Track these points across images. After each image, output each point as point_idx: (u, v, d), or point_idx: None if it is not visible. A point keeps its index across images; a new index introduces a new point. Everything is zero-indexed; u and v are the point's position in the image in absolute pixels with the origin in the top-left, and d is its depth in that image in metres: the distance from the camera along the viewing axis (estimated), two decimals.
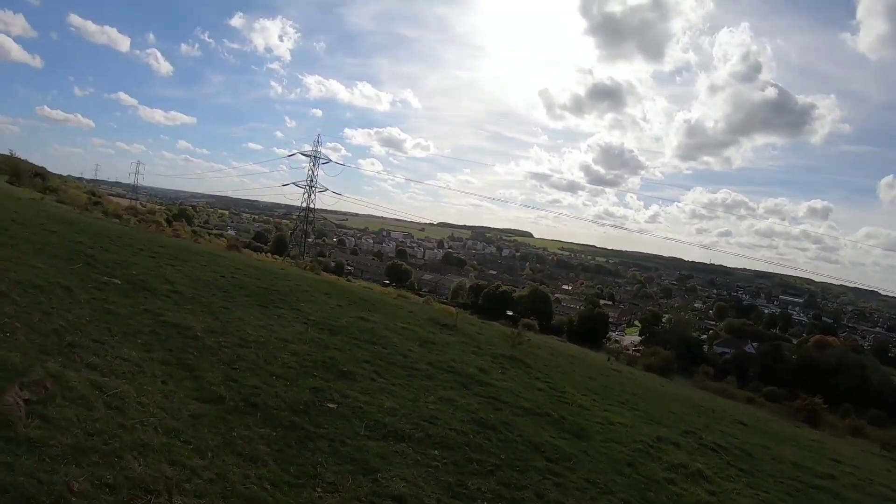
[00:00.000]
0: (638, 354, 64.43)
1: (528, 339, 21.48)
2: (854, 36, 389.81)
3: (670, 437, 12.86)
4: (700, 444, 13.24)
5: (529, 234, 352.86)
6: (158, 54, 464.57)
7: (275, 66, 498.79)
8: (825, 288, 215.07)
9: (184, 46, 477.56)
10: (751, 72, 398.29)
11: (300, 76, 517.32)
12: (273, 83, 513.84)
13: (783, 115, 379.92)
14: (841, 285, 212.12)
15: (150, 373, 7.46)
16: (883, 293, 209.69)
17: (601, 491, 8.02)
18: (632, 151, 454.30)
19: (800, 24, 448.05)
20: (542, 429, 10.11)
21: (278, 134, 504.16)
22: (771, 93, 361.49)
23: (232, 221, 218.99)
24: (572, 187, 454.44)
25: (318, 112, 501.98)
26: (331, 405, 8.13)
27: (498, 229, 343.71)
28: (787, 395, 55.36)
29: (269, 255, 77.73)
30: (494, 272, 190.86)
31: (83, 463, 4.84)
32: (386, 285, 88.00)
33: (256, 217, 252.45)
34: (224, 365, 8.61)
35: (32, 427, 5.07)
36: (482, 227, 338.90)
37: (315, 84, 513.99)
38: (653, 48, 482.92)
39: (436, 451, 7.61)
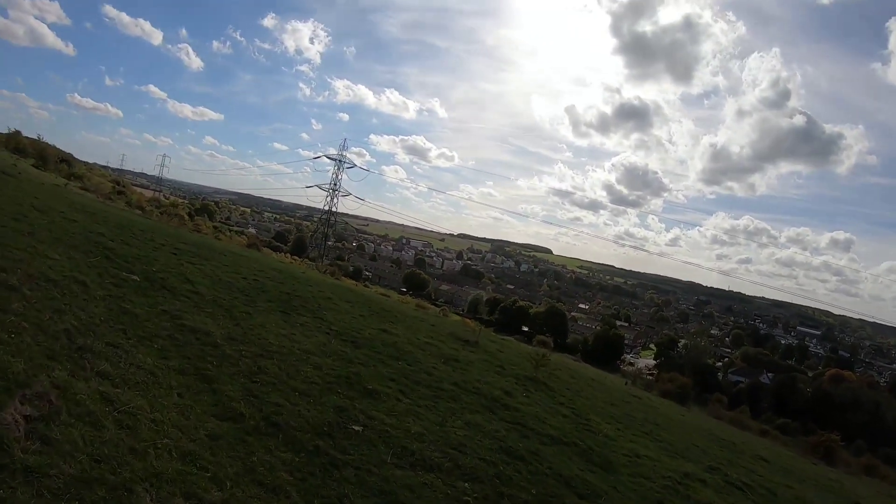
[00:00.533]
0: (651, 378, 63.59)
1: (550, 361, 20.86)
2: (885, 66, 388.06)
3: (697, 473, 12.62)
4: (726, 482, 13.01)
5: (549, 251, 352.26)
6: (190, 50, 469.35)
7: (304, 68, 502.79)
8: (843, 321, 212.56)
9: (215, 43, 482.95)
10: (779, 98, 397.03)
11: (329, 80, 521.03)
12: (301, 85, 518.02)
13: (810, 143, 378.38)
14: (860, 319, 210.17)
15: (166, 383, 6.94)
16: None
17: None
18: (655, 173, 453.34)
19: (830, 53, 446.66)
20: (569, 460, 9.77)
21: (304, 136, 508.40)
22: (799, 120, 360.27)
23: (253, 220, 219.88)
24: (594, 206, 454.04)
25: (345, 116, 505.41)
26: (356, 427, 7.60)
27: (517, 244, 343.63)
28: (799, 429, 54.58)
29: (288, 255, 77.57)
30: (512, 287, 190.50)
31: (87, 499, 4.31)
32: (403, 293, 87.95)
33: (278, 217, 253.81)
34: (244, 377, 8.10)
35: (32, 452, 4.53)
36: (502, 241, 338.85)
37: (343, 88, 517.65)
38: (682, 70, 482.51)
39: (466, 484, 7.16)
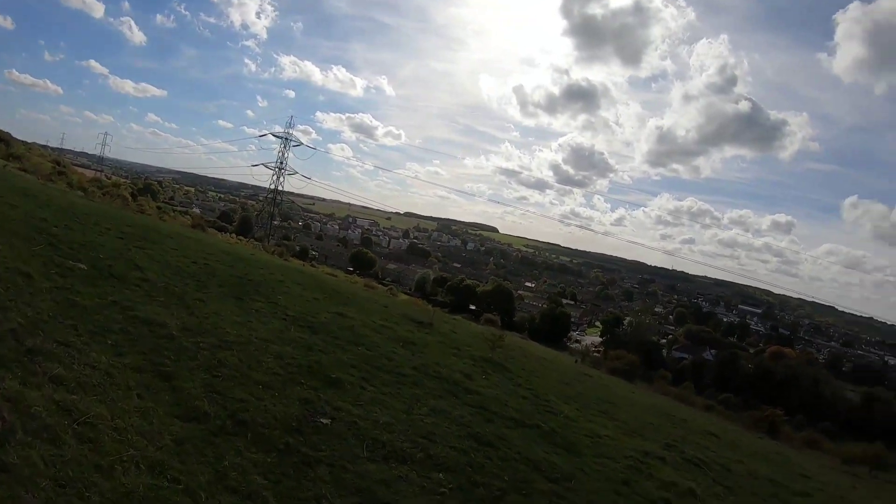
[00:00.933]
0: (598, 355, 64.49)
1: (505, 342, 20.84)
2: (830, 57, 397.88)
3: (655, 451, 12.82)
4: (684, 459, 13.24)
5: (495, 230, 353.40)
6: (133, 23, 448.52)
7: (250, 43, 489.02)
8: (783, 300, 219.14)
9: (159, 17, 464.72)
10: (726, 84, 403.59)
11: (275, 55, 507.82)
12: (247, 61, 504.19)
13: (754, 128, 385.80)
14: (799, 298, 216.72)
15: (124, 384, 6.39)
16: (839, 309, 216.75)
17: None
18: (602, 154, 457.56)
19: (778, 42, 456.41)
20: (535, 443, 9.79)
21: (249, 113, 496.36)
22: (744, 106, 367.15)
23: (197, 199, 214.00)
24: (540, 185, 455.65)
25: (291, 93, 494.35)
26: (324, 421, 7.29)
27: (464, 222, 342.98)
28: (741, 404, 56.11)
29: (234, 235, 75.95)
30: (458, 265, 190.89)
31: None
32: (350, 273, 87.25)
33: (222, 196, 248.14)
34: (204, 372, 7.63)
35: None
36: (448, 220, 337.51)
37: (289, 64, 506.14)
38: (630, 53, 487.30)
39: (440, 475, 7.03)
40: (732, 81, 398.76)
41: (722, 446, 18.14)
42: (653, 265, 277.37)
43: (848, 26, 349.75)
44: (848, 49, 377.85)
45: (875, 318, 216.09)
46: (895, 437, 49.47)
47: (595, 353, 67.80)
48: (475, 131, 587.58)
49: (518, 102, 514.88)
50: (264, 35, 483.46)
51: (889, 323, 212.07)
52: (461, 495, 6.74)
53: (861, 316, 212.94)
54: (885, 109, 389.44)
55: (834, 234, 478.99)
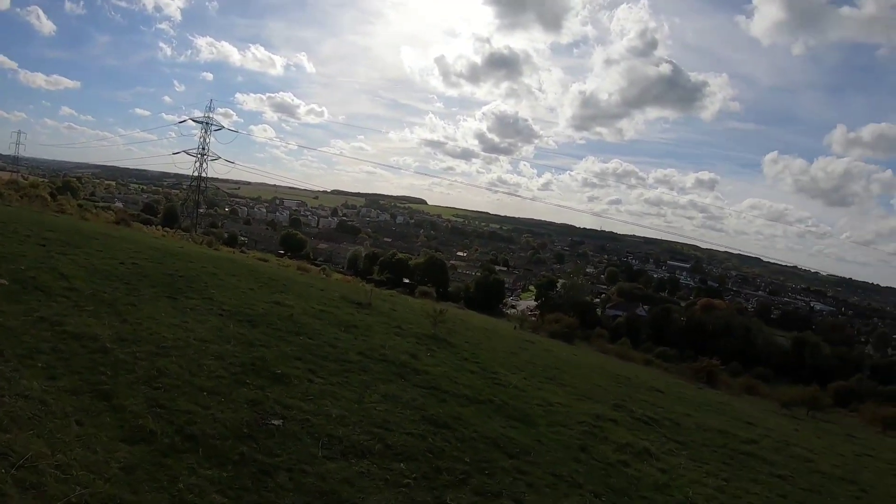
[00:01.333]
0: (535, 319, 65.25)
1: (448, 316, 20.78)
2: (748, 20, 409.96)
3: (606, 413, 13.13)
4: (634, 419, 13.57)
5: (423, 202, 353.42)
6: (40, 12, 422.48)
7: (164, 25, 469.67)
8: (710, 254, 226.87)
9: (68, 4, 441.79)
10: (647, 48, 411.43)
11: (190, 37, 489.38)
12: (162, 44, 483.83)
13: (676, 90, 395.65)
14: (725, 252, 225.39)
15: (61, 411, 5.89)
16: (765, 260, 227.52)
17: (570, 484, 7.89)
18: (526, 120, 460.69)
19: (697, 6, 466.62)
20: (490, 419, 9.83)
21: (167, 99, 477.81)
22: (665, 69, 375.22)
23: (119, 193, 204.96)
24: (466, 155, 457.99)
25: (209, 76, 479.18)
26: (275, 422, 7.01)
27: (392, 196, 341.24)
28: (678, 356, 57.81)
29: (159, 227, 73.60)
30: (389, 240, 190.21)
31: None
32: (281, 256, 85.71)
33: (145, 188, 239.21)
34: (144, 385, 7.18)
35: None
36: (376, 195, 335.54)
37: (206, 46, 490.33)
38: (551, 20, 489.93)
39: (401, 465, 6.90)
40: (653, 45, 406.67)
41: (668, 401, 18.64)
42: (582, 227, 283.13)
43: None
44: (766, 12, 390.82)
45: (799, 266, 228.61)
46: (825, 378, 52.21)
47: (531, 318, 68.60)
48: (399, 105, 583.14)
49: (441, 73, 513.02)
50: (178, 16, 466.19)
51: (812, 270, 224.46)
52: (426, 483, 6.63)
53: (786, 265, 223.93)
54: (801, 69, 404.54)
55: (756, 189, 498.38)
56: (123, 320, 9.69)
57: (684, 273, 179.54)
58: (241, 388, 7.85)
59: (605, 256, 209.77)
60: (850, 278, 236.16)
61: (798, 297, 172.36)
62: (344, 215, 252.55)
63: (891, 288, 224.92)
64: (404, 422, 8.26)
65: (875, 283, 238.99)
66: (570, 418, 11.58)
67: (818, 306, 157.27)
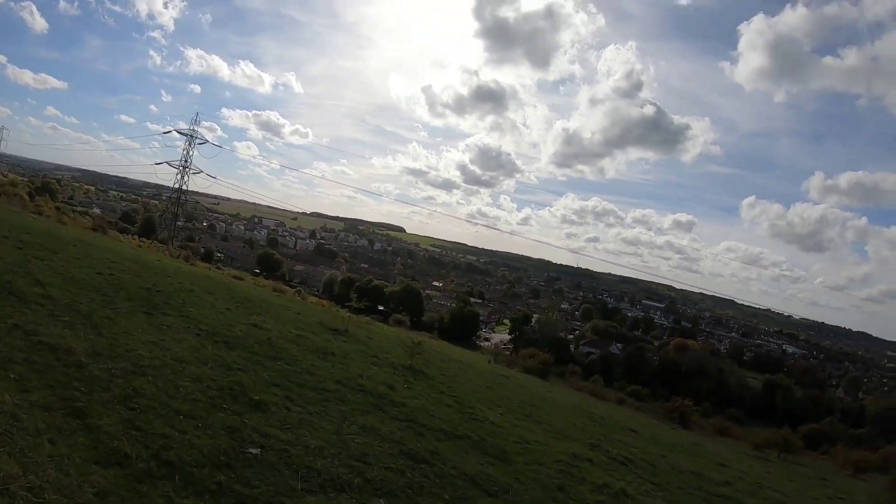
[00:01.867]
0: (508, 353, 65.26)
1: (425, 348, 20.70)
2: (733, 66, 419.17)
3: (582, 452, 13.12)
4: (610, 459, 13.60)
5: (402, 229, 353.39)
6: (34, 9, 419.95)
7: (156, 34, 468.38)
8: (685, 295, 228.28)
9: (62, 3, 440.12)
10: (632, 89, 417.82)
11: (181, 48, 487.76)
12: (153, 53, 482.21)
13: (658, 132, 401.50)
14: (700, 293, 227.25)
15: (33, 428, 5.59)
16: (739, 302, 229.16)
17: None
18: (509, 155, 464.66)
19: (684, 50, 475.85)
20: (467, 454, 9.73)
21: (153, 108, 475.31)
22: (649, 110, 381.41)
23: (98, 199, 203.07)
24: (448, 185, 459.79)
25: (197, 88, 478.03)
26: (253, 451, 6.77)
27: (371, 222, 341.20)
28: (650, 395, 58.00)
29: (136, 237, 72.87)
30: (366, 265, 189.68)
31: None
32: (257, 275, 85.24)
33: (124, 195, 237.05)
34: (119, 404, 6.88)
35: None
36: (355, 220, 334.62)
37: (196, 58, 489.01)
38: (540, 57, 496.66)
39: (381, 501, 6.74)
40: (638, 87, 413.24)
41: (643, 441, 18.77)
42: (559, 263, 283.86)
43: (751, 37, 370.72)
44: (750, 59, 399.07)
45: (772, 309, 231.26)
46: (796, 421, 52.66)
47: (505, 351, 68.56)
48: (383, 131, 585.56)
49: (427, 103, 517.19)
50: (171, 26, 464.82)
51: (785, 314, 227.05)
52: None
53: (759, 308, 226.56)
54: (782, 116, 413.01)
55: (733, 232, 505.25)
56: (99, 334, 9.41)
57: (658, 313, 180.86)
58: (219, 414, 7.60)
59: (581, 293, 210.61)
60: (823, 322, 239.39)
61: (771, 339, 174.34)
62: (322, 238, 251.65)
63: (862, 333, 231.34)
64: (383, 455, 8.08)
65: (847, 327, 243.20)
66: (546, 457, 11.53)
67: (790, 349, 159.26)
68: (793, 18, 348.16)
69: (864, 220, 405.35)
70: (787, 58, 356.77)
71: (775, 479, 20.07)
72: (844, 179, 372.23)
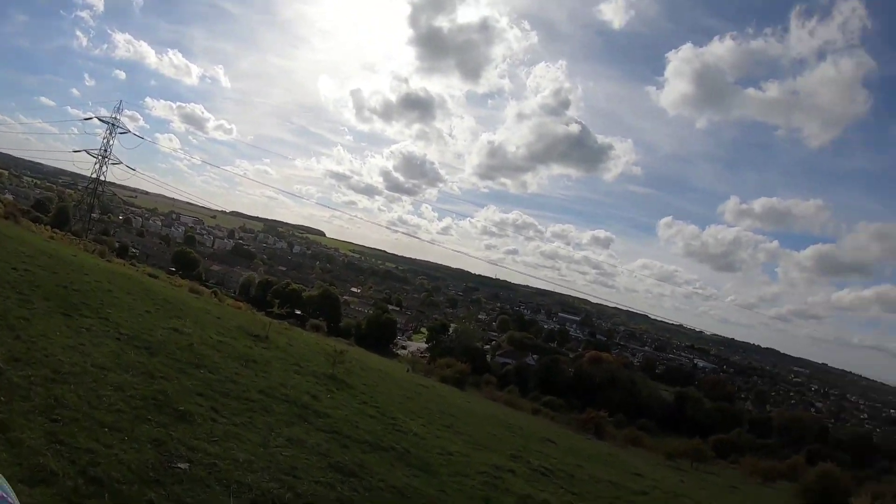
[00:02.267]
0: (425, 361, 65.36)
1: (347, 357, 20.54)
2: (658, 91, 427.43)
3: (504, 463, 13.36)
4: (531, 469, 13.83)
5: (322, 233, 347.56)
6: None
7: (84, 14, 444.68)
8: (600, 309, 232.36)
9: None
10: (559, 107, 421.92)
11: (109, 31, 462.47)
12: (79, 33, 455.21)
13: (582, 150, 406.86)
14: (615, 307, 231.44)
15: None
16: (652, 317, 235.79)
17: None
18: (433, 164, 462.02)
19: (611, 73, 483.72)
20: (393, 466, 9.77)
21: (75, 91, 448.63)
22: (574, 129, 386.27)
23: (11, 184, 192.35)
24: (370, 191, 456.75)
25: (122, 74, 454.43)
26: (181, 465, 6.56)
27: (291, 224, 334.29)
28: (565, 405, 58.95)
29: (49, 227, 69.60)
30: (284, 268, 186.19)
31: None
32: (172, 273, 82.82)
33: (38, 182, 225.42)
34: (42, 415, 6.51)
35: None
36: (275, 221, 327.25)
37: (124, 42, 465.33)
38: (471, 69, 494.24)
39: None
40: (565, 105, 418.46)
41: (561, 452, 19.07)
42: (477, 274, 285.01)
43: (678, 65, 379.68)
44: (675, 85, 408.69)
45: (684, 325, 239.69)
46: (706, 431, 54.59)
47: (422, 360, 68.61)
48: (309, 132, 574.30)
49: (355, 106, 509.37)
50: (101, 7, 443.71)
51: (697, 329, 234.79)
52: None
53: (671, 323, 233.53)
54: (702, 142, 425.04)
55: (649, 250, 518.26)
56: (16, 336, 8.94)
57: (574, 325, 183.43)
58: (144, 426, 7.32)
59: (498, 304, 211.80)
60: (733, 338, 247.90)
61: (682, 353, 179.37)
62: (240, 238, 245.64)
63: (771, 349, 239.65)
64: (311, 469, 8.00)
65: (756, 343, 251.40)
66: (469, 468, 11.65)
67: (701, 363, 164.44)
68: (720, 50, 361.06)
69: (775, 243, 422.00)
70: (711, 87, 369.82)
71: (689, 488, 20.75)
72: (758, 205, 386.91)
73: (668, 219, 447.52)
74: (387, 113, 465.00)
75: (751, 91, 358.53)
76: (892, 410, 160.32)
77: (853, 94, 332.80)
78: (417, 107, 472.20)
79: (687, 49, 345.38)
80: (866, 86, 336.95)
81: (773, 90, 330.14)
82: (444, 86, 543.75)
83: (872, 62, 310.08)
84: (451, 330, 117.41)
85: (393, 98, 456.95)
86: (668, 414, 77.89)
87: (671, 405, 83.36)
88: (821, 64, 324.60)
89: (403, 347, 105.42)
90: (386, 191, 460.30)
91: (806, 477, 27.44)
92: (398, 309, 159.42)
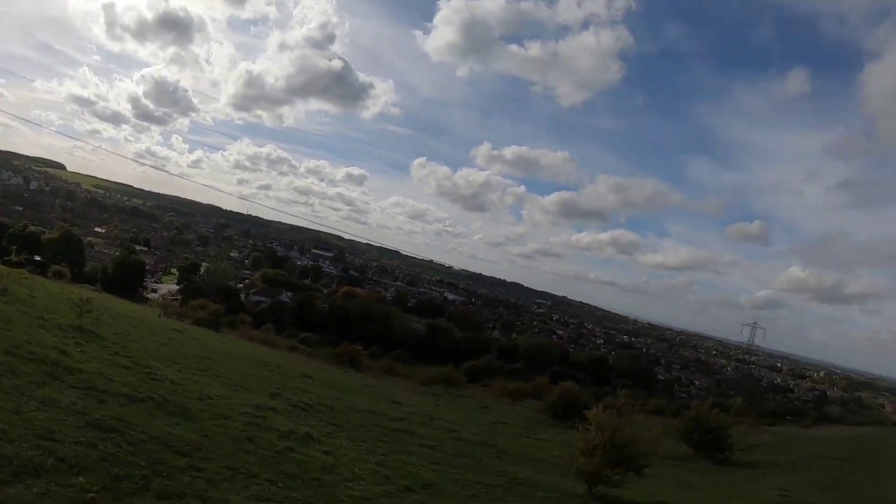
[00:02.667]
0: (177, 304, 63.07)
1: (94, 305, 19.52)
2: (425, 36, 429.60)
3: (264, 402, 13.88)
4: (291, 406, 14.55)
5: (62, 167, 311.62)
6: None
7: None
8: (353, 245, 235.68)
9: None
10: (324, 41, 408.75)
11: None
12: None
13: (343, 87, 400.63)
14: (367, 244, 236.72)
15: None
16: (404, 253, 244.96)
17: (246, 475, 8.34)
18: (186, 91, 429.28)
19: (381, 13, 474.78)
20: (153, 417, 9.87)
21: None
22: (337, 64, 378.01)
23: None
24: (117, 119, 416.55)
25: None
26: None
27: (27, 157, 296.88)
28: (321, 341, 59.85)
29: None
30: (21, 208, 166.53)
31: None
32: None
33: None
34: None
35: None
36: (9, 153, 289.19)
37: None
38: None
39: (80, 479, 6.62)
40: (330, 39, 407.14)
41: (319, 386, 19.75)
42: (228, 210, 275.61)
43: (448, 13, 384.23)
44: (443, 32, 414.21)
45: (434, 261, 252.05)
46: (458, 359, 58.57)
47: (174, 303, 65.95)
48: (53, 49, 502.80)
49: (106, 22, 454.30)
50: None
51: (447, 265, 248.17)
52: (110, 495, 6.50)
53: (422, 259, 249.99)
54: (462, 89, 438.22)
55: (402, 188, 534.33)
56: None
57: (327, 262, 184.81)
58: None
59: (251, 241, 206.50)
60: (480, 273, 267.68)
61: (433, 287, 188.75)
62: None
63: (516, 283, 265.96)
64: (70, 430, 7.86)
65: (502, 278, 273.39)
66: (231, 410, 11.97)
67: (451, 296, 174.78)
68: (491, 5, 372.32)
69: (522, 188, 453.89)
70: (477, 38, 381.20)
71: (444, 411, 22.56)
72: (510, 152, 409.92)
73: (422, 159, 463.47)
74: (141, 32, 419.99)
75: (514, 47, 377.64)
76: (623, 336, 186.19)
77: (608, 64, 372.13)
78: (175, 27, 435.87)
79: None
80: (622, 58, 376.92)
81: (535, 49, 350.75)
82: (207, 7, 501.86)
83: (631, 39, 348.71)
84: (202, 269, 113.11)
85: (149, 15, 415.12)
86: (422, 344, 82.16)
87: (424, 336, 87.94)
88: (583, 32, 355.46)
89: (154, 291, 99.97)
90: (134, 119, 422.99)
91: (549, 395, 30.81)
92: (146, 249, 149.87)
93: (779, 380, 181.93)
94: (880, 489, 20.13)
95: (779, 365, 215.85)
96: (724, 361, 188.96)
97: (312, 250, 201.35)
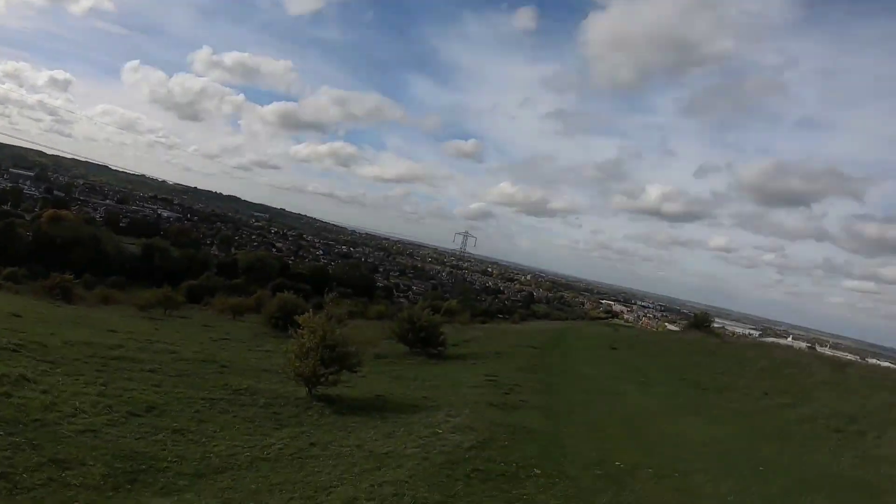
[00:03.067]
0: None
1: None
2: None
3: None
4: (0, 349, 13.11)
5: None
6: None
7: None
8: (57, 161, 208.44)
9: None
10: None
11: None
12: None
13: None
14: (73, 159, 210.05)
15: None
16: (113, 168, 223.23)
17: None
18: None
19: None
20: None
21: None
22: None
23: None
24: None
25: None
26: None
27: None
28: (27, 275, 54.61)
29: None
30: None
31: None
32: None
33: None
34: None
35: None
36: None
37: None
38: None
39: None
40: None
41: (29, 324, 18.24)
42: None
43: None
44: None
45: (147, 175, 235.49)
46: (177, 279, 56.92)
47: None
48: None
49: None
50: None
51: (160, 179, 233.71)
52: None
53: (134, 174, 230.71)
54: None
55: (112, 95, 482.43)
56: None
57: (29, 182, 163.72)
58: None
59: None
60: (196, 187, 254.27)
61: (146, 205, 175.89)
62: None
63: (232, 196, 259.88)
64: None
65: (219, 191, 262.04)
66: None
67: (166, 213, 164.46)
68: None
69: (241, 96, 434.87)
70: None
71: (163, 334, 22.47)
72: (230, 58, 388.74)
73: (135, 62, 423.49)
74: None
75: None
76: (342, 246, 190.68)
77: None
78: None
79: None
80: None
81: None
82: None
83: None
84: None
85: None
86: (137, 266, 77.56)
87: (139, 257, 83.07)
88: None
89: None
90: None
91: (269, 307, 31.69)
92: None
93: (490, 283, 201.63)
94: (567, 365, 25.45)
95: (490, 270, 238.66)
96: (439, 268, 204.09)
97: (11, 170, 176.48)
